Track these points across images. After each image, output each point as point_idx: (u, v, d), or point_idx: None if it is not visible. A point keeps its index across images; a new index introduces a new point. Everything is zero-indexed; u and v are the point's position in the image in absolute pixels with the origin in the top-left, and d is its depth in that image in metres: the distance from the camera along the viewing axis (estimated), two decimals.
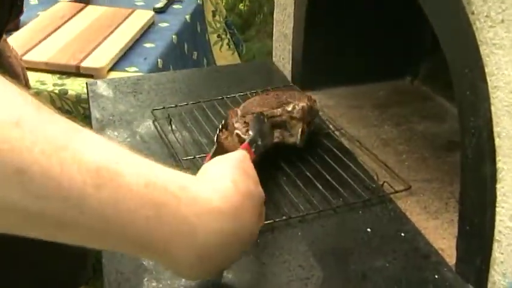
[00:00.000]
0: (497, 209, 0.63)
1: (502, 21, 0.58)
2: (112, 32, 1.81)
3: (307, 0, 1.07)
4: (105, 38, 1.76)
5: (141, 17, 1.94)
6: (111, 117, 1.06)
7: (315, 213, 0.81)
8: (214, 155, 0.73)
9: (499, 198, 0.62)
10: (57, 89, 1.53)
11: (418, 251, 0.75)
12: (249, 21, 3.53)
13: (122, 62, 1.69)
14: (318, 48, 1.13)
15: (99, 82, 1.21)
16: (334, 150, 0.94)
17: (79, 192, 0.43)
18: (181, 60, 1.94)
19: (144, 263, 0.72)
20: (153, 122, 1.05)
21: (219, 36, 2.31)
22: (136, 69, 1.66)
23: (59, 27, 1.84)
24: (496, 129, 0.61)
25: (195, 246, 0.49)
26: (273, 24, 1.28)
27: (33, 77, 1.39)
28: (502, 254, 0.64)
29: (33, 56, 1.63)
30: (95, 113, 1.08)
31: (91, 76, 1.57)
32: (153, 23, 1.96)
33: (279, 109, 0.91)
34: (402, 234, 0.78)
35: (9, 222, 0.42)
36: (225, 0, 3.55)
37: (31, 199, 0.41)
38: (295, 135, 0.91)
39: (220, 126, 0.88)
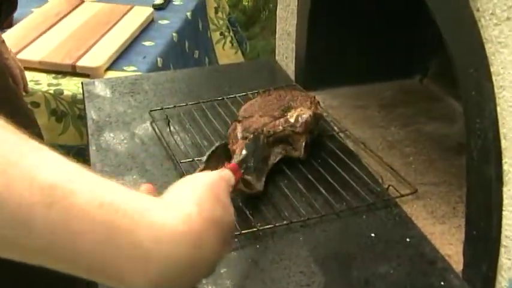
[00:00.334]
0: (503, 213, 0.64)
1: (508, 18, 0.59)
2: (109, 29, 1.82)
3: None
4: (102, 36, 1.78)
5: (140, 13, 1.95)
6: (107, 119, 1.08)
7: (317, 217, 0.83)
8: None
9: (505, 202, 0.63)
10: (52, 89, 1.55)
11: (424, 256, 0.77)
12: (254, 18, 3.54)
13: (120, 61, 1.71)
14: (322, 46, 1.14)
15: (95, 82, 1.23)
16: (338, 152, 0.96)
17: (28, 210, 0.43)
18: (181, 59, 1.95)
19: None
20: (151, 124, 1.06)
21: (221, 33, 2.32)
22: (135, 69, 1.67)
23: (54, 24, 1.85)
24: (502, 130, 0.62)
25: (149, 273, 0.48)
26: None
27: (27, 76, 1.41)
28: (509, 259, 0.65)
29: (27, 55, 1.65)
30: (91, 114, 1.09)
31: (87, 76, 1.59)
32: (152, 20, 1.97)
33: (281, 120, 0.92)
34: (407, 239, 0.79)
35: None
36: None
37: None
38: (299, 150, 0.93)
39: (214, 148, 0.87)
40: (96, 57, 1.65)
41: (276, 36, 1.31)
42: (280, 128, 0.91)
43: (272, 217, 0.82)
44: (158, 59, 1.76)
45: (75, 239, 0.45)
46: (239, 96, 1.12)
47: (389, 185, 0.88)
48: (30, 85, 1.52)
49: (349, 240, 0.80)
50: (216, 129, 1.04)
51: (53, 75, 1.61)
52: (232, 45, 2.36)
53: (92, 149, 1.00)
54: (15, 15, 1.86)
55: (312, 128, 0.95)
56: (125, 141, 1.02)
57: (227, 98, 1.11)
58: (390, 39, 1.15)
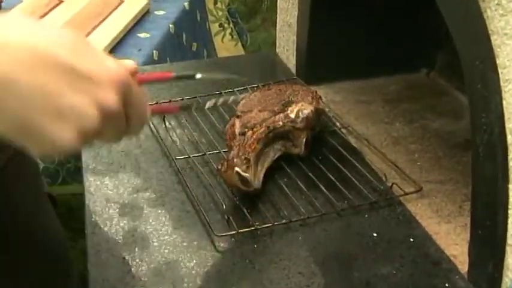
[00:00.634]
0: (509, 211, 0.65)
1: None
2: (103, 20, 1.83)
3: None
4: (94, 28, 1.78)
5: (135, 4, 1.95)
6: None
7: (317, 216, 0.84)
8: None
9: (511, 199, 0.64)
10: None
11: (428, 257, 0.77)
12: (255, 8, 3.54)
13: (114, 53, 1.71)
14: (324, 38, 1.15)
15: None
16: (340, 148, 0.97)
17: None
18: (179, 51, 1.95)
19: (133, 269, 0.75)
20: None
21: (221, 25, 2.33)
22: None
23: (44, 15, 1.86)
24: (508, 125, 0.63)
25: None
26: None
27: None
28: None
29: None
30: None
31: None
32: (148, 11, 1.98)
33: (281, 115, 0.92)
34: (411, 239, 0.80)
35: None
36: None
37: None
38: (299, 146, 0.94)
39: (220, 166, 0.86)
40: None
41: (277, 28, 1.31)
42: (280, 123, 0.92)
43: (270, 216, 0.83)
44: (154, 51, 1.76)
45: None
46: (237, 90, 1.13)
47: (393, 183, 0.89)
48: None
49: (350, 240, 0.80)
50: (213, 124, 1.05)
51: None
52: (232, 37, 2.37)
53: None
54: (4, 4, 1.86)
55: (313, 124, 0.95)
56: None
57: (225, 92, 1.12)
58: (395, 30, 1.16)
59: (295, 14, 1.19)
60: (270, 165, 0.91)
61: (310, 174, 0.91)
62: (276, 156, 0.93)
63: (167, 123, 1.04)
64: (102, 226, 0.82)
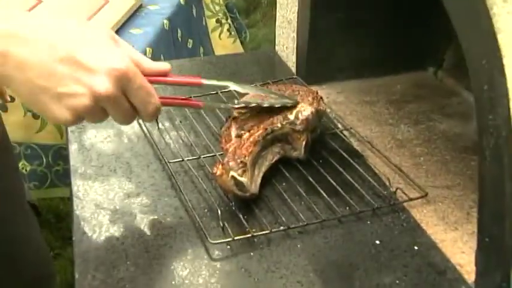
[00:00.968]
0: None
1: None
2: (92, 15, 1.83)
3: None
4: None
5: None
6: None
7: (317, 223, 0.84)
8: None
9: None
10: None
11: (433, 266, 0.78)
12: (254, 3, 3.56)
13: None
14: (326, 35, 1.16)
15: None
16: (341, 152, 0.97)
17: None
18: (173, 49, 1.96)
19: (122, 274, 0.76)
20: (137, 120, 1.07)
21: (218, 21, 2.33)
22: None
23: (31, 8, 1.86)
24: None
25: None
26: None
27: None
28: None
29: None
30: None
31: None
32: (140, 6, 1.98)
33: (280, 116, 0.93)
34: (415, 247, 0.81)
35: None
36: None
37: None
38: (299, 149, 0.94)
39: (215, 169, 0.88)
40: None
41: (276, 24, 1.32)
42: (279, 125, 0.93)
43: (268, 222, 0.83)
44: (147, 48, 1.77)
45: None
46: (235, 90, 1.13)
47: (397, 188, 0.89)
48: None
49: (351, 248, 0.81)
50: (208, 126, 1.06)
51: None
52: (230, 33, 2.37)
53: (72, 148, 1.01)
54: None
55: (313, 126, 0.96)
56: (109, 139, 1.03)
57: (221, 92, 1.13)
58: (401, 27, 1.16)
59: (295, 9, 1.20)
60: (268, 169, 0.92)
61: (310, 178, 0.92)
62: (274, 160, 0.93)
63: (160, 125, 1.05)
64: (90, 233, 0.83)
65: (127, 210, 0.87)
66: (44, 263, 1.18)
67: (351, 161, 0.95)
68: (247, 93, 1.04)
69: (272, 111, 0.93)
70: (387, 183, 0.91)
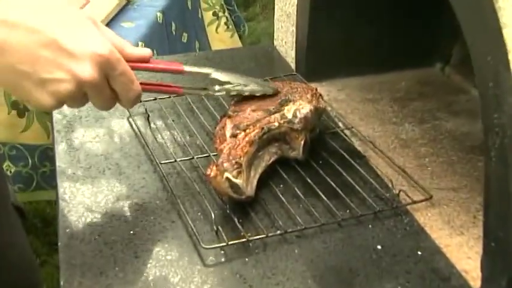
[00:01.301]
0: None
1: None
2: (81, 8, 1.84)
3: None
4: None
5: None
6: (77, 113, 1.10)
7: (316, 227, 0.85)
8: None
9: None
10: None
11: (437, 272, 0.79)
12: None
13: None
14: (327, 30, 1.16)
15: None
16: (342, 152, 0.98)
17: None
18: (167, 43, 1.96)
19: (110, 281, 0.76)
20: (128, 119, 1.09)
21: (215, 14, 2.33)
22: None
23: None
24: None
25: None
26: None
27: None
28: None
29: None
30: None
31: None
32: None
33: (277, 115, 0.94)
34: (419, 252, 0.82)
35: None
36: None
37: None
38: (297, 149, 0.95)
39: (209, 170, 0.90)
40: None
41: (274, 17, 1.33)
42: (276, 124, 0.93)
43: (264, 226, 0.84)
44: (139, 43, 1.77)
45: None
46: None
47: (400, 190, 0.90)
48: None
49: (351, 253, 0.82)
50: (202, 125, 1.06)
51: None
52: (228, 27, 2.37)
53: (59, 148, 1.02)
54: None
55: (312, 125, 0.97)
56: (97, 139, 1.04)
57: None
58: (406, 21, 1.17)
59: (294, 2, 1.20)
60: (265, 170, 0.92)
61: (308, 180, 0.92)
62: (271, 161, 0.94)
63: (152, 124, 1.06)
64: (77, 238, 0.84)
65: (116, 214, 0.88)
66: (30, 270, 1.18)
67: (352, 161, 0.96)
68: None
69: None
70: (390, 185, 0.92)
